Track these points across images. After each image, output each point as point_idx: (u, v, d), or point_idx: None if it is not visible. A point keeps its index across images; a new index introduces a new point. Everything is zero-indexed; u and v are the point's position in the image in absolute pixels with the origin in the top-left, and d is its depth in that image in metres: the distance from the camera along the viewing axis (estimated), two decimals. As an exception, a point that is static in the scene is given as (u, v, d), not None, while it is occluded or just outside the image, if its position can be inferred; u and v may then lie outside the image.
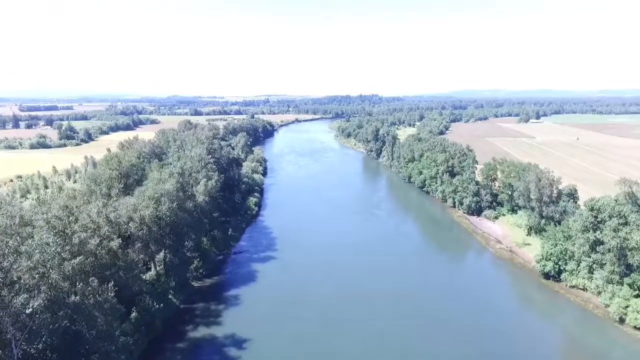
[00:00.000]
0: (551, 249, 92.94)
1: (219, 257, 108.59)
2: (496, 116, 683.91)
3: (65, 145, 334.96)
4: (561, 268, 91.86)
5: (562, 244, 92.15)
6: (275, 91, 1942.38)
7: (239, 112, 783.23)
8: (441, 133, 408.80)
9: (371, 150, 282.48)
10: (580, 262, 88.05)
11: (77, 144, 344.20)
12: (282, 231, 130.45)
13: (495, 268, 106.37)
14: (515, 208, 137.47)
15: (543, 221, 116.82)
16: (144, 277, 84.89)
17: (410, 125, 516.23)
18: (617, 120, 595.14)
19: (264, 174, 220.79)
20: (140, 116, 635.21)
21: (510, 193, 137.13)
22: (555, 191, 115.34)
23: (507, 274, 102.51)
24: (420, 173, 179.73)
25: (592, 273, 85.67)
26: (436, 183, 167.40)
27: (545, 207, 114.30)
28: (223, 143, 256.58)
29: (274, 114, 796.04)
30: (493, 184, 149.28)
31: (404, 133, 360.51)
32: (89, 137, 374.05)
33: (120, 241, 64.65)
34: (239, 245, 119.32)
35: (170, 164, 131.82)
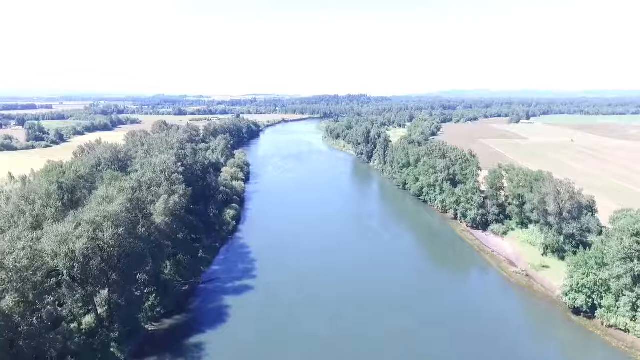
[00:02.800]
0: (582, 279, 77.52)
1: (184, 288, 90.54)
2: (486, 117, 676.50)
3: (33, 148, 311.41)
4: (595, 303, 76.57)
5: (595, 274, 76.80)
6: (263, 90, 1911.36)
7: (224, 112, 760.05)
8: (433, 134, 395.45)
9: (361, 153, 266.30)
10: (620, 296, 72.86)
11: (47, 146, 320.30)
12: (263, 251, 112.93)
13: (511, 298, 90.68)
14: (525, 222, 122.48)
15: (561, 239, 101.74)
16: (80, 324, 66.83)
17: (400, 126, 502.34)
18: (606, 121, 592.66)
19: (246, 179, 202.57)
20: (120, 116, 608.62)
21: (520, 205, 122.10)
22: (576, 205, 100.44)
23: (526, 306, 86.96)
24: (417, 180, 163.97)
25: (637, 311, 70.49)
26: (435, 192, 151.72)
27: (566, 224, 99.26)
28: (203, 145, 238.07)
29: (261, 113, 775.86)
30: (499, 193, 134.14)
31: (394, 134, 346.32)
32: (60, 139, 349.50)
33: (16, 297, 46.24)
34: (210, 271, 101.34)
35: (137, 171, 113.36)
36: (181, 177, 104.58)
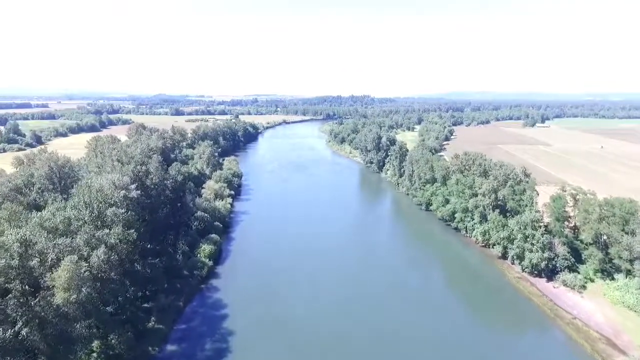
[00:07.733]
0: None
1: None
2: (497, 119, 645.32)
3: (4, 151, 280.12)
4: None
5: None
6: (265, 91, 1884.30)
7: (224, 112, 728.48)
8: (446, 139, 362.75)
9: (371, 162, 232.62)
10: None
11: (20, 149, 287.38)
12: (246, 311, 79.81)
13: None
14: (608, 269, 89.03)
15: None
16: None
17: (409, 129, 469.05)
18: (626, 125, 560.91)
19: (237, 194, 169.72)
20: (112, 116, 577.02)
21: (601, 246, 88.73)
22: None
23: None
24: (447, 202, 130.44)
25: None
26: (472, 219, 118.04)
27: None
28: (189, 152, 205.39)
29: (262, 114, 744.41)
30: (564, 226, 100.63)
31: (403, 138, 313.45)
32: (37, 141, 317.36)
33: None
34: (162, 355, 67.96)
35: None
36: (122, 210, 71.13)
